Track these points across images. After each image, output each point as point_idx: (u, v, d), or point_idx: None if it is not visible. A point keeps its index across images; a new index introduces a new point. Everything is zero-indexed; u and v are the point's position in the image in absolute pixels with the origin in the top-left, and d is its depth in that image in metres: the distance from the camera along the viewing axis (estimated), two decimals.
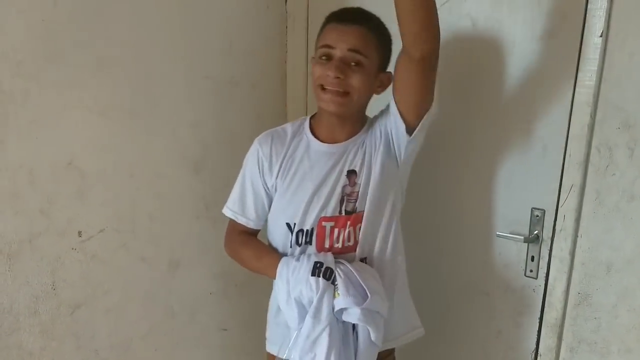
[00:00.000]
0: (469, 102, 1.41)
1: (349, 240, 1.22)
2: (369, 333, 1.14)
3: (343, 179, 1.22)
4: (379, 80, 1.21)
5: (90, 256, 1.33)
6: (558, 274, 1.31)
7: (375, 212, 1.21)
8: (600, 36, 1.16)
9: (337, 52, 1.16)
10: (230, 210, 1.31)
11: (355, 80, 1.16)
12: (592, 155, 1.22)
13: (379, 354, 1.20)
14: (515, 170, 1.36)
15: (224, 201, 1.40)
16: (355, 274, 1.14)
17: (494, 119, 1.37)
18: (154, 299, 1.49)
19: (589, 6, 1.17)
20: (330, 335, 1.13)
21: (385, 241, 1.24)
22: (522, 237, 1.34)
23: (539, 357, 1.38)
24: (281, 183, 1.25)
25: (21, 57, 1.15)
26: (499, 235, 1.39)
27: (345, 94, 1.17)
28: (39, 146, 1.20)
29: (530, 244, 1.36)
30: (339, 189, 1.21)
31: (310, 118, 1.30)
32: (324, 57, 1.17)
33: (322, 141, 1.25)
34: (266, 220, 1.32)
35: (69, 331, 1.31)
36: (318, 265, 1.14)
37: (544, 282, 1.35)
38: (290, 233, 1.23)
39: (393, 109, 1.18)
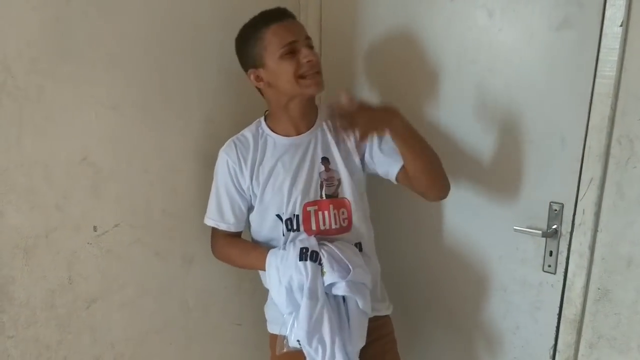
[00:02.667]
0: (485, 94, 1.38)
1: (336, 224, 1.32)
2: (357, 303, 1.24)
3: (318, 166, 1.33)
4: None
5: (105, 251, 1.34)
6: (577, 269, 1.28)
7: (357, 197, 1.34)
8: (621, 26, 1.13)
9: (300, 43, 1.28)
10: (210, 219, 1.40)
11: (318, 59, 1.30)
12: (612, 147, 1.19)
13: (377, 321, 1.35)
14: (533, 163, 1.34)
15: None
16: (337, 252, 1.25)
17: (512, 111, 1.35)
18: (168, 294, 1.49)
19: None
20: (328, 311, 1.21)
21: (368, 226, 1.38)
22: (540, 232, 1.32)
23: (557, 354, 1.36)
24: (257, 185, 1.34)
25: (35, 53, 1.16)
26: (516, 230, 1.37)
27: (319, 72, 1.30)
28: (54, 142, 1.21)
29: (548, 239, 1.34)
30: (315, 175, 1.33)
31: (264, 119, 1.40)
32: (288, 54, 1.26)
33: (284, 136, 1.35)
34: (248, 221, 1.41)
35: (85, 325, 1.33)
36: (304, 250, 1.24)
37: (562, 277, 1.32)
38: (280, 222, 1.32)
39: (379, 165, 1.35)
